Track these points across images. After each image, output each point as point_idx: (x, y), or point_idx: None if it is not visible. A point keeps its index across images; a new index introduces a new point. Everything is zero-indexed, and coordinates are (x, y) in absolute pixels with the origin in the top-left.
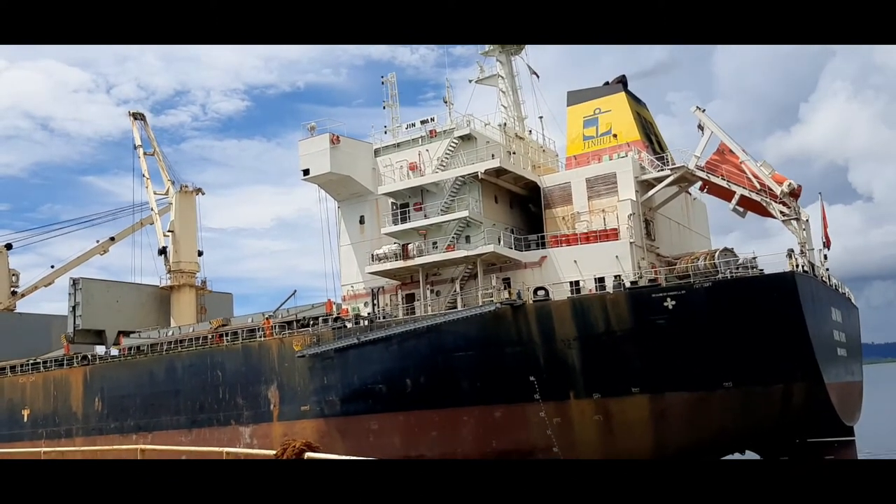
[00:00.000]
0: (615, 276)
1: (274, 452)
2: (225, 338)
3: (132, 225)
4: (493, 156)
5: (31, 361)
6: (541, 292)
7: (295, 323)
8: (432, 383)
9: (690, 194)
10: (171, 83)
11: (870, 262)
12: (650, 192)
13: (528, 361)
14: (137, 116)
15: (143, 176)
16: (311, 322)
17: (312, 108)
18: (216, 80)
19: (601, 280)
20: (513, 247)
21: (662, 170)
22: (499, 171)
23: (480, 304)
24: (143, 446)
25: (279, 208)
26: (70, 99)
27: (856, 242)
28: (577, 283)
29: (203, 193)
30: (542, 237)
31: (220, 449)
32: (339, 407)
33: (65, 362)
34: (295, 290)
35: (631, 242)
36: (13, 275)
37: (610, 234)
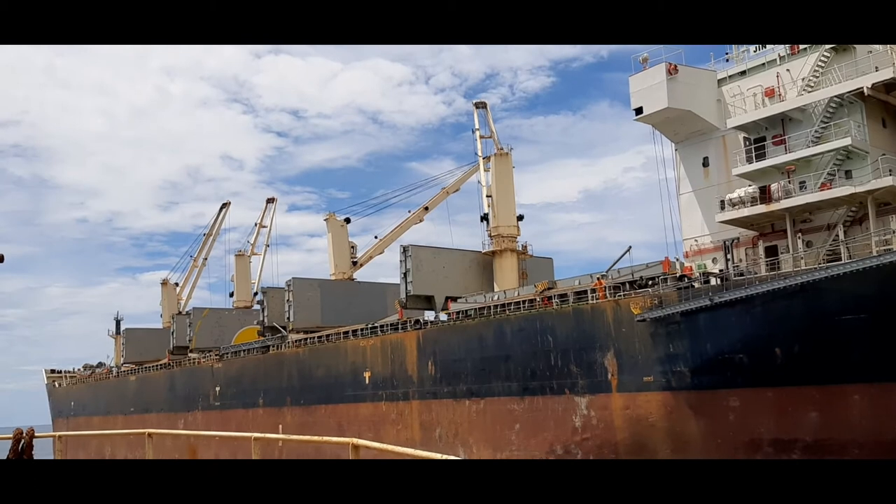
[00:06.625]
0: None
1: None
2: (553, 300)
3: (437, 194)
4: (876, 68)
5: (370, 326)
6: None
7: (629, 284)
8: (810, 353)
9: None
10: (482, 67)
11: None
12: None
13: None
14: (479, 105)
15: (477, 155)
16: (649, 282)
17: (617, 77)
18: (522, 60)
19: None
20: None
21: None
22: (890, 86)
23: (875, 253)
24: (357, 441)
25: (585, 180)
26: (395, 92)
27: None
28: None
29: (511, 149)
30: None
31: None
32: (689, 379)
33: (399, 326)
34: (630, 247)
35: None
36: (352, 246)
37: None
